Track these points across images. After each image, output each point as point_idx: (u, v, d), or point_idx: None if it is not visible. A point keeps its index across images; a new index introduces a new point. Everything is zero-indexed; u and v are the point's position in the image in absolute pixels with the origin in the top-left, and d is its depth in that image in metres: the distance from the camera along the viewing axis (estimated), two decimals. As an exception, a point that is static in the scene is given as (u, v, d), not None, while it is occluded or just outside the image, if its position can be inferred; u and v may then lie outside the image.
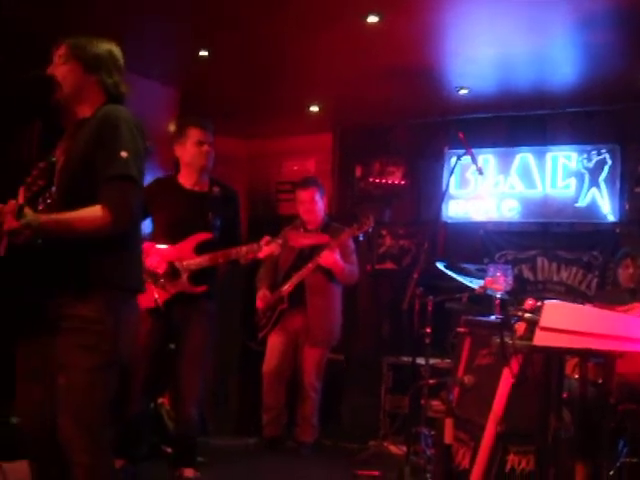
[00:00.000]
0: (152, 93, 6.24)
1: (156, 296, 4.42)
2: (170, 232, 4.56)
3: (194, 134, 4.63)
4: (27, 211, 2.54)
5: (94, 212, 2.69)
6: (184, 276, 4.49)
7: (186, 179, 4.70)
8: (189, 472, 4.57)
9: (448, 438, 3.50)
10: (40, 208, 2.64)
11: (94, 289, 2.76)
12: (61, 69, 2.93)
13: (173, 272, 4.51)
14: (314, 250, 5.49)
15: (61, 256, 2.75)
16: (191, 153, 4.62)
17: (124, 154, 2.74)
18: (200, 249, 4.54)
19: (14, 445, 3.57)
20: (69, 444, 2.73)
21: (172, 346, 4.71)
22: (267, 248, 4.59)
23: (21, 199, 2.47)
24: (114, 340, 2.79)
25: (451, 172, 5.01)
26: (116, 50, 3.06)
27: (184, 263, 4.51)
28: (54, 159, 2.54)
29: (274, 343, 5.68)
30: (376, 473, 4.83)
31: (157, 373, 4.75)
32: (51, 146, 3.12)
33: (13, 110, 6.32)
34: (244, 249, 4.59)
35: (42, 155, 2.86)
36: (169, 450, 5.04)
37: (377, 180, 7.24)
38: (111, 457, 2.86)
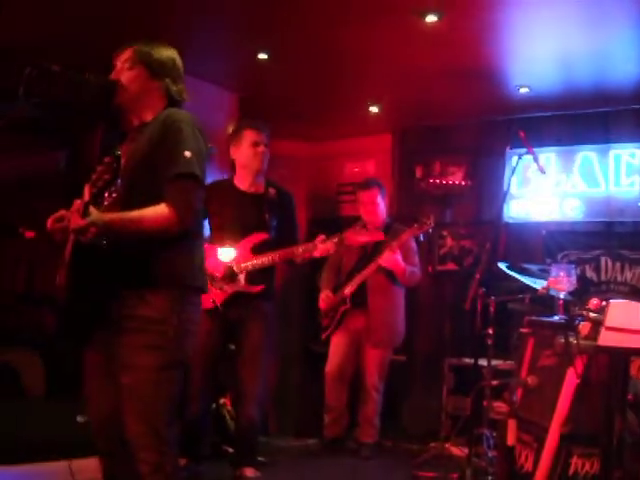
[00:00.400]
0: (213, 97, 6.30)
1: (213, 298, 4.48)
2: (227, 234, 4.61)
3: (249, 136, 4.68)
4: (92, 210, 2.58)
5: (158, 211, 2.72)
6: (241, 276, 4.53)
7: (242, 181, 4.75)
8: (250, 472, 4.62)
9: (511, 440, 3.47)
10: (106, 203, 2.68)
11: (158, 289, 2.80)
12: (127, 74, 2.97)
13: (230, 273, 4.56)
14: (376, 251, 5.51)
15: (125, 256, 2.80)
16: (246, 155, 4.66)
17: (187, 154, 2.78)
18: (257, 250, 4.58)
19: (82, 443, 3.65)
20: (135, 442, 2.78)
21: (232, 347, 4.76)
22: (322, 247, 4.61)
23: (87, 196, 2.50)
24: (178, 340, 2.82)
25: (512, 172, 4.94)
26: (178, 57, 3.10)
27: (241, 264, 4.55)
28: (119, 153, 2.57)
29: (337, 343, 5.69)
30: (436, 475, 4.80)
31: (215, 373, 4.81)
32: (113, 149, 3.19)
33: (80, 115, 6.45)
34: (300, 248, 4.62)
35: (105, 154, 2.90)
36: (230, 450, 5.09)
37: (437, 180, 7.19)
38: (176, 455, 2.88)
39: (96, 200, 2.58)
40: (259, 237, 4.60)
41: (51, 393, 5.86)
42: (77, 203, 2.67)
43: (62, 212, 2.90)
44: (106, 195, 2.58)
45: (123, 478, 2.97)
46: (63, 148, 7.36)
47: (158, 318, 2.78)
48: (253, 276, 4.57)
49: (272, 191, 4.75)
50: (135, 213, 2.71)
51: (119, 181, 2.53)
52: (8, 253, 8.09)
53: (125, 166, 2.86)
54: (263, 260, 4.56)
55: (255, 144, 4.67)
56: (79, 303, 2.78)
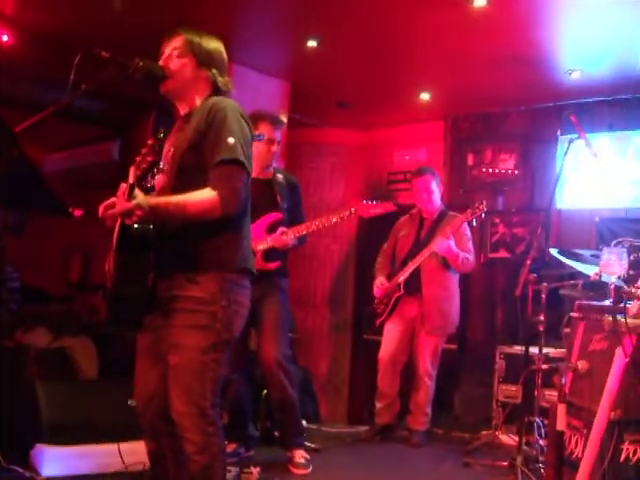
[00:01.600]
0: (264, 86, 6.32)
1: None
2: None
3: (265, 130, 4.73)
4: (138, 192, 2.62)
5: (202, 195, 2.76)
6: (258, 255, 4.60)
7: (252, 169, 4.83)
8: (298, 456, 4.67)
9: (560, 424, 3.42)
10: (149, 185, 2.72)
11: (207, 271, 2.85)
12: (175, 62, 3.00)
13: None
14: (430, 237, 5.51)
15: (173, 240, 2.85)
16: (259, 149, 4.68)
17: (231, 140, 2.81)
18: (271, 229, 4.70)
19: (130, 426, 3.70)
20: (181, 422, 2.82)
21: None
22: (334, 218, 4.74)
23: (132, 178, 2.54)
24: (226, 321, 2.87)
25: (564, 157, 4.88)
26: (223, 50, 3.14)
27: (257, 242, 4.61)
28: (161, 135, 2.61)
29: (390, 330, 5.69)
30: (487, 462, 4.77)
31: (245, 351, 4.89)
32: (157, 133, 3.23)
33: (129, 102, 6.55)
34: (313, 223, 4.75)
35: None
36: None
37: (489, 168, 7.14)
38: (222, 436, 2.90)
39: (140, 182, 2.62)
40: (273, 217, 4.72)
41: (104, 377, 5.97)
42: (122, 186, 2.72)
43: (113, 199, 2.95)
44: (150, 176, 2.61)
45: (168, 459, 3.02)
46: (116, 139, 7.48)
47: (207, 299, 2.82)
48: (269, 254, 4.67)
49: (280, 176, 4.89)
50: (180, 197, 2.75)
51: (162, 163, 2.56)
52: (60, 238, 8.25)
53: (174, 153, 2.92)
54: (297, 230, 4.69)
55: (270, 141, 4.76)
56: (127, 288, 2.83)
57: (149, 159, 2.57)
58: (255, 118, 4.77)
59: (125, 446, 4.12)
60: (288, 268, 4.94)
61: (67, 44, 2.98)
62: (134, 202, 2.60)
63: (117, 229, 2.81)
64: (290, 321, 4.95)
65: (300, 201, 5.00)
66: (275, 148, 4.78)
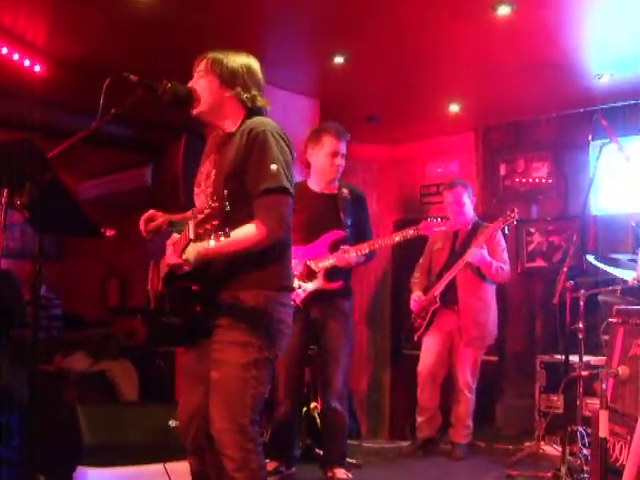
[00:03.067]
0: (293, 104, 6.36)
1: (293, 298, 4.53)
2: (305, 234, 4.65)
3: (329, 144, 4.69)
4: (191, 246, 2.63)
5: (248, 231, 2.78)
6: (320, 274, 4.57)
7: (316, 184, 4.80)
8: (340, 473, 4.65)
9: (603, 431, 3.38)
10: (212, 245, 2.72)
11: (249, 288, 2.86)
12: (200, 83, 3.03)
13: (309, 272, 4.61)
14: (464, 249, 5.49)
15: (218, 264, 2.86)
16: (322, 162, 4.70)
17: (274, 167, 2.82)
18: (334, 247, 4.64)
19: (175, 447, 3.73)
20: (220, 438, 2.83)
21: (313, 347, 4.83)
22: (397, 237, 4.69)
23: (192, 234, 2.51)
24: (268, 338, 2.88)
25: (597, 162, 4.83)
26: (254, 64, 3.12)
27: (319, 262, 4.60)
28: (228, 206, 2.58)
29: (428, 343, 5.67)
30: (531, 474, 4.71)
31: (301, 374, 4.88)
32: (196, 159, 3.25)
33: (159, 125, 6.62)
34: (376, 242, 4.68)
35: (188, 166, 2.94)
36: (322, 452, 5.11)
37: (522, 177, 7.10)
38: (261, 453, 2.90)
39: (200, 240, 2.57)
40: (336, 235, 4.66)
41: (144, 398, 6.02)
42: (174, 238, 2.77)
43: (152, 212, 2.98)
44: (212, 237, 2.59)
45: (211, 476, 3.03)
46: (148, 164, 7.56)
47: (250, 316, 2.84)
48: (331, 274, 4.62)
49: (345, 191, 4.80)
50: (228, 240, 2.69)
51: (227, 230, 2.55)
52: (98, 263, 8.34)
53: (216, 177, 2.94)
54: (359, 249, 4.61)
55: (333, 154, 4.69)
56: (178, 313, 2.87)
57: (215, 223, 2.53)
58: (319, 132, 4.77)
59: (171, 465, 4.11)
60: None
61: (97, 72, 3.02)
62: (184, 258, 2.64)
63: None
64: (352, 343, 4.86)
65: (366, 216, 4.92)
66: (339, 161, 4.70)
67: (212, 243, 2.54)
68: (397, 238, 4.70)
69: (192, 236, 2.52)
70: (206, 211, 2.54)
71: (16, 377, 4.66)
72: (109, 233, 3.64)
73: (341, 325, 4.69)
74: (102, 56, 5.38)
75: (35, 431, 3.31)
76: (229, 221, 2.69)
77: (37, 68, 5.62)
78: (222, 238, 2.52)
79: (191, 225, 2.53)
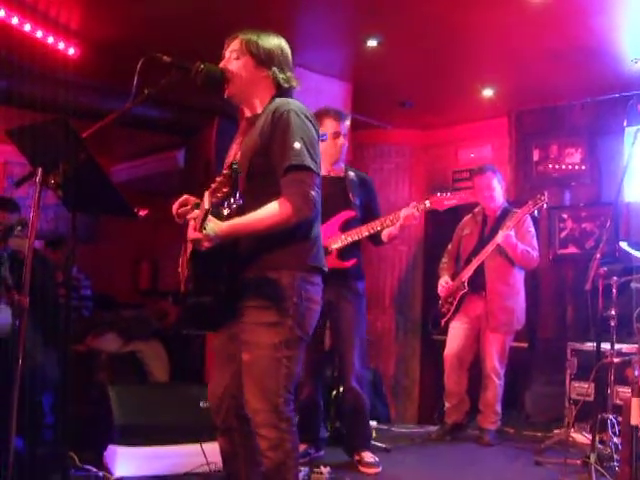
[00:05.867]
0: (326, 88, 6.36)
1: None
2: None
3: (330, 126, 4.74)
4: (210, 219, 2.60)
5: (273, 209, 2.77)
6: (332, 253, 4.60)
7: (322, 168, 4.79)
8: (368, 456, 4.66)
9: (635, 419, 3.36)
10: (225, 213, 2.72)
11: (278, 269, 2.86)
12: (234, 63, 3.01)
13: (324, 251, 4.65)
14: (493, 234, 5.47)
15: (246, 241, 2.86)
16: (326, 145, 4.70)
17: (297, 145, 2.81)
18: (345, 228, 4.69)
19: (201, 427, 3.76)
20: (255, 419, 2.84)
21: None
22: (405, 212, 4.62)
23: (207, 204, 2.52)
24: (299, 318, 2.88)
25: (631, 149, 4.77)
26: (285, 45, 3.11)
27: (331, 242, 4.61)
28: (236, 166, 2.60)
29: (455, 328, 5.67)
30: (559, 461, 4.69)
31: (319, 356, 4.92)
32: (228, 143, 3.26)
33: (197, 108, 6.63)
34: (386, 218, 4.67)
35: (220, 149, 2.94)
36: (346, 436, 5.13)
37: (555, 163, 7.03)
38: (295, 433, 2.91)
39: (217, 209, 2.59)
40: (347, 215, 4.71)
41: (175, 380, 6.06)
42: (195, 213, 2.75)
43: (186, 197, 2.99)
44: (225, 205, 2.59)
45: (240, 456, 3.05)
46: (181, 147, 7.59)
47: (279, 296, 2.84)
48: (343, 253, 4.65)
49: (351, 174, 4.87)
50: (251, 216, 2.75)
51: (238, 195, 2.55)
52: (130, 246, 8.40)
53: (241, 157, 2.93)
54: (353, 235, 4.65)
55: (335, 135, 4.75)
56: (202, 297, 2.85)
57: (225, 190, 2.55)
58: (319, 115, 4.78)
59: (207, 446, 4.10)
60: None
61: (131, 54, 3.02)
62: (204, 233, 2.59)
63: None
64: (364, 323, 4.89)
65: (374, 196, 4.96)
66: (341, 141, 4.76)
67: (225, 212, 2.56)
68: (405, 213, 4.63)
69: (207, 205, 2.53)
70: (218, 179, 2.56)
71: (48, 357, 4.71)
72: (142, 213, 3.67)
73: (355, 306, 4.73)
74: (135, 38, 5.39)
75: (67, 411, 3.34)
76: (254, 199, 2.75)
77: (71, 51, 5.67)
78: (234, 205, 2.54)
79: (206, 195, 2.54)
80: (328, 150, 4.71)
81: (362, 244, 4.86)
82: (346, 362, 4.72)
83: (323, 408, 5.07)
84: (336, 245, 4.64)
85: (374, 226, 4.67)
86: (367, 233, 4.67)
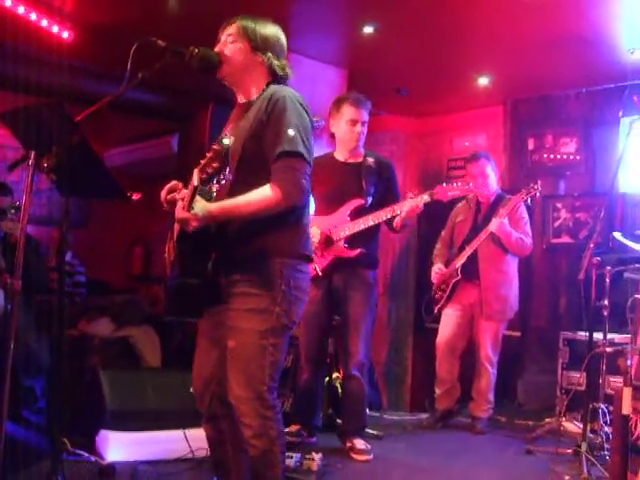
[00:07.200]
0: (321, 75, 6.33)
1: (315, 265, 4.55)
2: (328, 203, 4.70)
3: (347, 112, 4.71)
4: (198, 199, 2.60)
5: (263, 193, 2.76)
6: (340, 241, 4.60)
7: (340, 154, 4.83)
8: (360, 443, 4.68)
9: (626, 408, 3.36)
10: (214, 190, 2.71)
11: (266, 256, 2.84)
12: (230, 47, 3.00)
13: (327, 240, 4.64)
14: (487, 221, 5.46)
15: (234, 226, 2.85)
16: (344, 131, 4.72)
17: (291, 132, 2.79)
18: (354, 216, 4.65)
19: (193, 413, 3.75)
20: (238, 406, 2.82)
21: (337, 317, 4.86)
22: (410, 202, 4.59)
23: (196, 181, 2.52)
24: (285, 306, 2.85)
25: (626, 139, 4.77)
26: (282, 35, 3.11)
27: (338, 229, 4.60)
28: (227, 142, 2.59)
29: (448, 315, 5.68)
30: (550, 450, 4.71)
31: (324, 342, 4.91)
32: (222, 128, 3.24)
33: (191, 93, 6.59)
34: (389, 208, 4.63)
35: (214, 135, 2.93)
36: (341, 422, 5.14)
37: (550, 152, 7.03)
38: (280, 422, 2.89)
39: (205, 186, 2.59)
40: (355, 203, 4.68)
41: (167, 365, 6.06)
42: (183, 193, 2.75)
43: (175, 182, 2.97)
44: (214, 181, 2.59)
45: (227, 443, 3.04)
46: (174, 132, 7.56)
47: (266, 283, 2.82)
48: (352, 242, 4.63)
49: (370, 160, 4.80)
50: (239, 200, 2.74)
51: (227, 170, 2.55)
52: (122, 231, 8.38)
53: (234, 143, 2.91)
54: (359, 224, 4.62)
55: (352, 122, 4.71)
56: (188, 280, 2.83)
57: (215, 165, 2.53)
58: (338, 101, 4.80)
59: (191, 432, 4.12)
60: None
61: (126, 38, 3.01)
62: (192, 212, 2.59)
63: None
64: (375, 313, 4.87)
65: (394, 181, 4.91)
66: (359, 128, 4.71)
67: (215, 189, 2.55)
68: (410, 204, 4.61)
69: (196, 182, 2.52)
70: (208, 154, 2.54)
71: (41, 342, 4.70)
72: (135, 196, 3.65)
73: (363, 295, 4.70)
74: (130, 22, 5.35)
75: (59, 395, 3.33)
76: (245, 184, 2.75)
77: (65, 34, 5.63)
78: (223, 181, 2.54)
79: (195, 172, 2.53)
80: (345, 137, 4.71)
81: (379, 232, 4.83)
82: (349, 350, 4.70)
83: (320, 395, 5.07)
84: (342, 233, 4.63)
85: (379, 215, 4.63)
86: (372, 222, 4.63)
